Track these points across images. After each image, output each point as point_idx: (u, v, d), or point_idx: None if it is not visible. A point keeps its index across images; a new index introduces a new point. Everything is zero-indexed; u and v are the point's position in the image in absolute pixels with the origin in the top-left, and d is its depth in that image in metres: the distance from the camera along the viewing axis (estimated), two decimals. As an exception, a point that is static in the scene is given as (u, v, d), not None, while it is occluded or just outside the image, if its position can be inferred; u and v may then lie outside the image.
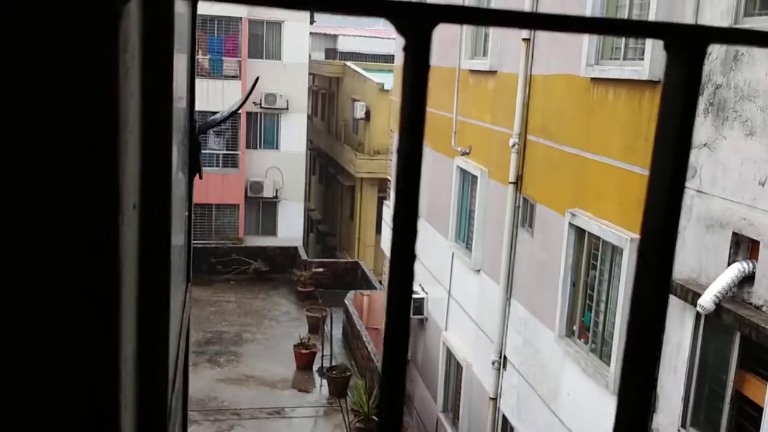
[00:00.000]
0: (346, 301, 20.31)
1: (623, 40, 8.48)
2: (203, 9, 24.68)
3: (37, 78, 0.51)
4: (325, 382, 17.61)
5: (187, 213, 1.87)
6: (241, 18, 26.29)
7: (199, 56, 26.03)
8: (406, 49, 0.53)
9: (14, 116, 0.51)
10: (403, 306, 0.54)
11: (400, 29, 0.52)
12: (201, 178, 1.94)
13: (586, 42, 8.94)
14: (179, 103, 1.54)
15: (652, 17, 7.59)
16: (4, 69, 0.50)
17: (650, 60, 7.64)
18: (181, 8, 1.50)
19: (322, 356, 18.42)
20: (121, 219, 0.56)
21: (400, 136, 0.54)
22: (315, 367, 18.49)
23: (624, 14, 8.47)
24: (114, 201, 0.56)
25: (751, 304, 6.28)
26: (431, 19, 0.52)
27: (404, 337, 0.54)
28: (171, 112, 0.86)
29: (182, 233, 1.69)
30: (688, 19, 7.07)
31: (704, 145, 6.88)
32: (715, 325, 6.73)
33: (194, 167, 1.87)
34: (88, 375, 0.56)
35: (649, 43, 7.67)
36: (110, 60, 0.53)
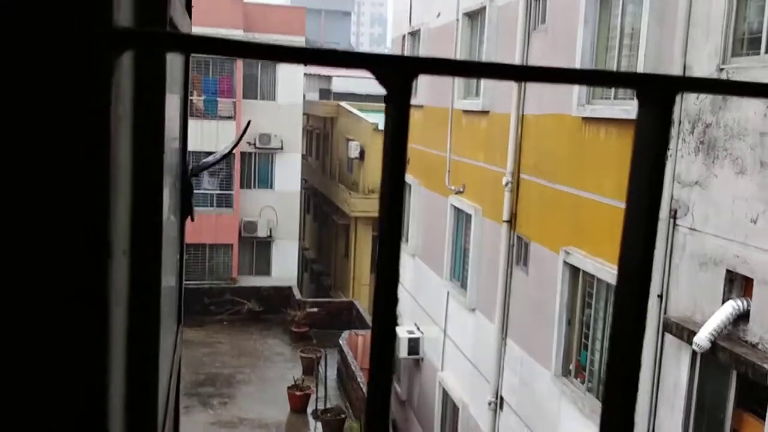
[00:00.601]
0: (340, 342, 20.17)
1: (613, 80, 8.59)
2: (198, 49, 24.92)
3: (30, 127, 0.53)
4: (319, 424, 17.39)
5: (178, 255, 1.88)
6: (235, 59, 26.56)
7: (194, 97, 26.24)
8: (386, 98, 0.55)
9: (5, 162, 0.52)
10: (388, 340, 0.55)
11: (382, 80, 0.54)
12: (193, 220, 1.95)
13: (576, 82, 9.05)
14: (172, 144, 1.56)
15: (641, 59, 7.71)
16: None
17: (640, 99, 7.73)
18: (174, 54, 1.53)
19: (317, 398, 18.22)
20: (110, 265, 0.57)
21: (382, 182, 0.56)
22: (309, 410, 18.27)
23: (614, 55, 8.60)
24: (104, 248, 0.57)
25: (746, 341, 6.27)
26: (411, 71, 0.55)
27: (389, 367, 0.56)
28: (162, 159, 0.88)
29: (173, 275, 1.70)
30: (677, 59, 7.18)
31: (696, 183, 6.94)
32: (712, 364, 6.71)
33: (186, 209, 1.88)
34: (76, 420, 0.56)
35: (639, 83, 7.77)
36: (102, 112, 0.54)
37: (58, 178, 0.54)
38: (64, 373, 0.56)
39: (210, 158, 2.95)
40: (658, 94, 0.64)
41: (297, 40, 27.72)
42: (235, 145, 3.15)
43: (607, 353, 0.62)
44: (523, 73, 0.61)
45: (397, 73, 0.54)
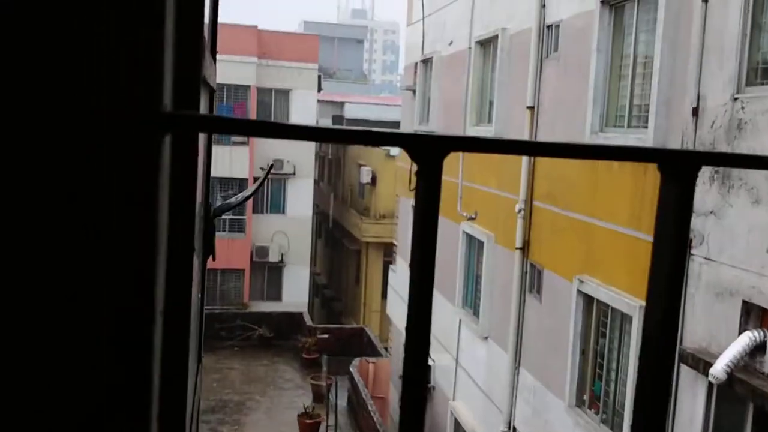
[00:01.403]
0: (351, 369, 20.05)
1: (627, 107, 8.59)
2: (213, 77, 25.18)
3: (89, 206, 0.59)
4: (330, 452, 17.25)
5: (200, 295, 1.87)
6: (249, 86, 26.79)
7: (208, 123, 26.41)
8: (419, 173, 0.57)
9: (70, 233, 0.58)
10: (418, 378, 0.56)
11: (415, 157, 0.57)
12: (215, 260, 1.95)
13: (590, 109, 9.05)
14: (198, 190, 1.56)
15: (654, 87, 7.70)
16: (64, 189, 0.58)
17: (654, 128, 7.72)
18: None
19: (327, 426, 18.08)
20: (153, 327, 0.61)
21: (412, 253, 0.57)
22: (320, 437, 18.13)
23: (627, 84, 8.60)
24: (150, 309, 0.62)
25: (763, 373, 6.18)
26: (442, 149, 0.57)
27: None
28: (194, 223, 0.91)
29: (196, 316, 1.69)
30: (690, 89, 7.16)
31: (711, 212, 6.89)
32: (728, 396, 6.61)
33: (209, 250, 1.88)
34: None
35: (653, 110, 7.76)
36: (150, 189, 0.61)
37: (112, 250, 0.60)
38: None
39: (232, 200, 2.96)
40: (681, 168, 0.63)
41: (310, 67, 27.96)
42: (259, 188, 3.17)
43: (635, 387, 0.63)
44: (549, 150, 0.61)
45: (430, 151, 0.57)
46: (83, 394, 0.59)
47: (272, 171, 27.30)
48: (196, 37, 0.89)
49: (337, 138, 0.56)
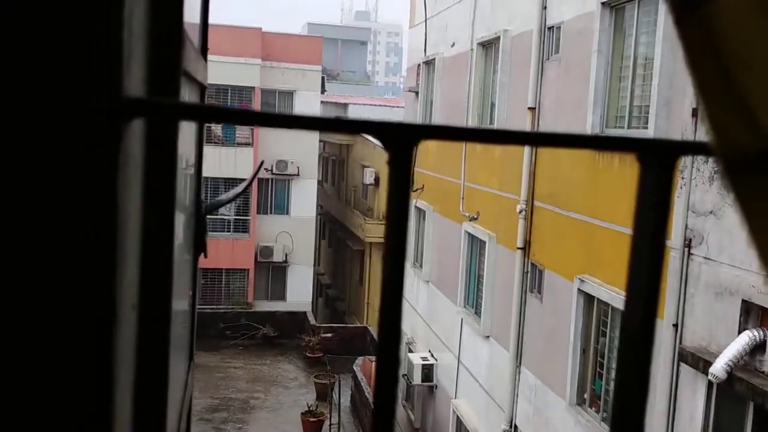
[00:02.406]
0: (354, 368, 20.09)
1: (627, 108, 8.62)
2: (217, 78, 25.23)
3: (38, 192, 0.56)
4: (333, 451, 17.28)
5: (191, 292, 1.90)
6: (254, 87, 26.83)
7: (213, 124, 26.46)
8: (390, 162, 0.57)
9: (11, 227, 0.55)
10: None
11: (386, 145, 0.57)
12: (206, 257, 1.98)
13: (590, 110, 9.08)
14: (185, 188, 1.59)
15: (654, 88, 7.72)
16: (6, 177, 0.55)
17: (654, 127, 7.74)
18: (190, 95, 1.57)
19: (330, 425, 18.12)
20: (117, 320, 0.59)
21: (385, 244, 0.57)
22: (323, 436, 18.17)
23: (627, 84, 8.62)
24: (109, 308, 0.58)
25: (763, 372, 6.20)
26: (413, 137, 0.57)
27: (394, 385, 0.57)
28: (173, 218, 0.91)
29: (186, 314, 1.72)
30: (690, 89, 7.18)
31: (710, 212, 6.91)
32: (728, 395, 6.63)
33: (200, 247, 1.91)
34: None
35: (653, 111, 7.79)
36: (109, 179, 0.57)
37: (64, 241, 0.56)
38: (69, 423, 0.57)
39: (223, 197, 2.98)
40: (659, 158, 0.65)
41: (314, 69, 27.99)
42: (249, 184, 3.19)
43: (615, 381, 0.64)
44: (528, 139, 0.63)
45: (400, 139, 0.56)
46: (29, 392, 0.56)
47: (276, 172, 27.33)
48: (175, 28, 0.88)
49: (305, 125, 0.56)
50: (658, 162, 0.63)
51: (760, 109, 0.52)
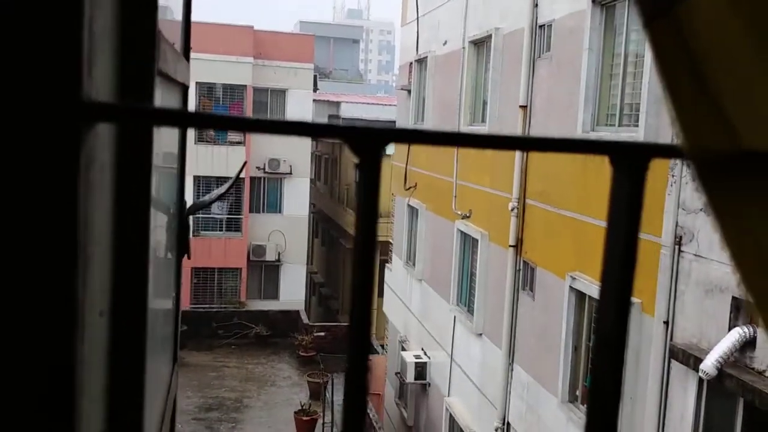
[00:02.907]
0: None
1: (618, 105, 8.63)
2: (209, 77, 25.16)
3: None
4: (326, 449, 17.28)
5: (174, 294, 1.89)
6: (246, 86, 26.78)
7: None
8: (358, 165, 0.57)
9: None
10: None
11: (354, 149, 0.56)
12: (189, 258, 1.97)
13: (581, 108, 9.09)
14: (168, 188, 1.58)
15: (645, 86, 7.74)
16: None
17: (645, 126, 7.76)
18: (170, 95, 1.56)
19: (323, 423, 18.12)
20: (80, 324, 0.58)
21: (354, 244, 0.57)
22: (316, 435, 18.16)
23: (618, 83, 8.64)
24: (71, 314, 0.57)
25: (753, 369, 6.22)
26: (380, 140, 0.57)
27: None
28: (148, 217, 0.89)
29: (168, 316, 1.71)
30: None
31: (700, 209, 6.93)
32: (718, 391, 6.65)
33: (183, 249, 1.90)
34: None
35: (644, 109, 7.80)
36: (69, 181, 0.55)
37: (23, 246, 0.55)
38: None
39: (206, 198, 2.97)
40: (632, 160, 0.64)
41: (306, 67, 27.95)
42: (231, 186, 3.18)
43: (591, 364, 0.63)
44: (493, 142, 0.62)
45: (368, 143, 0.56)
46: None
47: (269, 170, 27.29)
48: (148, 29, 0.86)
49: (271, 129, 0.55)
50: (629, 165, 0.63)
51: (731, 109, 0.51)
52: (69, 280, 0.55)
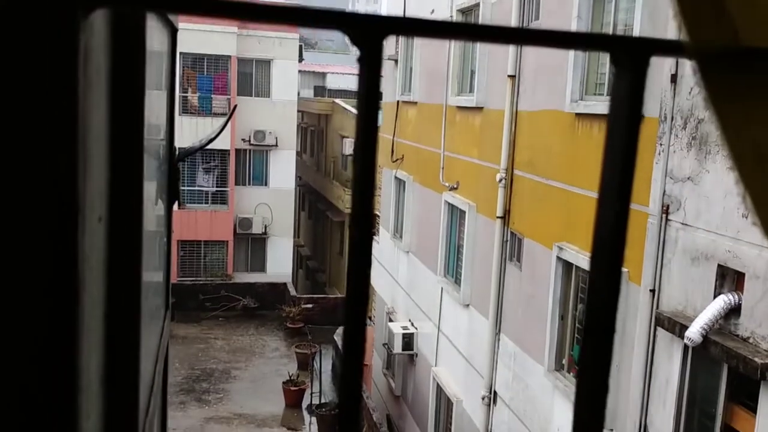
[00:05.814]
0: (335, 338, 20.18)
1: (606, 74, 8.61)
2: (193, 48, 24.88)
3: None
4: (314, 419, 17.42)
5: (166, 239, 1.88)
6: (230, 56, 26.52)
7: (189, 94, 26.16)
8: (359, 58, 0.55)
9: None
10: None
11: (354, 39, 0.54)
12: (180, 206, 1.95)
13: (570, 78, 9.07)
14: (157, 133, 1.55)
15: (637, 21, 7.71)
16: None
17: (633, 95, 7.74)
18: (160, 36, 1.53)
19: (311, 393, 18.24)
20: (81, 231, 0.56)
21: (354, 144, 0.56)
22: (304, 405, 18.30)
23: (610, 20, 8.60)
24: (73, 213, 0.55)
25: (737, 335, 6.29)
26: (382, 30, 0.55)
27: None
28: (142, 126, 0.88)
29: (161, 257, 1.70)
30: (672, 25, 7.18)
31: (688, 178, 6.96)
32: (703, 358, 6.73)
33: (174, 195, 1.88)
34: (44, 380, 0.55)
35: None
36: (69, 72, 0.53)
37: (24, 144, 0.53)
38: (35, 337, 0.55)
39: (195, 143, 2.94)
40: (633, 56, 0.64)
41: (291, 37, 27.70)
42: (221, 130, 3.14)
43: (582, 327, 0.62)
44: (496, 35, 0.61)
45: (369, 32, 0.54)
46: None
47: (254, 142, 27.14)
48: None
49: (262, 17, 0.53)
50: (630, 60, 0.62)
51: (731, 3, 0.50)
52: (70, 182, 0.54)
